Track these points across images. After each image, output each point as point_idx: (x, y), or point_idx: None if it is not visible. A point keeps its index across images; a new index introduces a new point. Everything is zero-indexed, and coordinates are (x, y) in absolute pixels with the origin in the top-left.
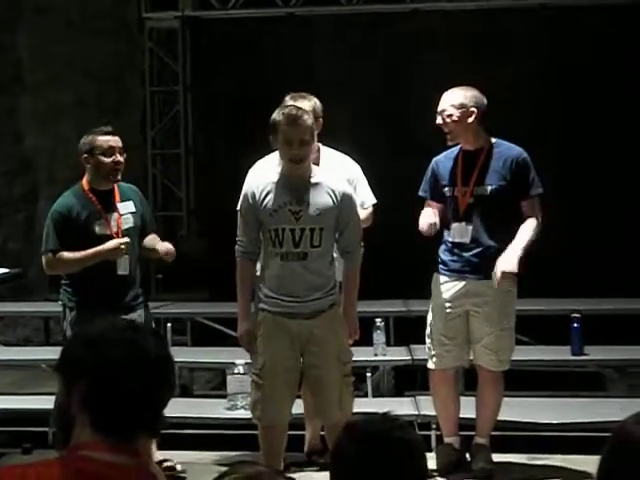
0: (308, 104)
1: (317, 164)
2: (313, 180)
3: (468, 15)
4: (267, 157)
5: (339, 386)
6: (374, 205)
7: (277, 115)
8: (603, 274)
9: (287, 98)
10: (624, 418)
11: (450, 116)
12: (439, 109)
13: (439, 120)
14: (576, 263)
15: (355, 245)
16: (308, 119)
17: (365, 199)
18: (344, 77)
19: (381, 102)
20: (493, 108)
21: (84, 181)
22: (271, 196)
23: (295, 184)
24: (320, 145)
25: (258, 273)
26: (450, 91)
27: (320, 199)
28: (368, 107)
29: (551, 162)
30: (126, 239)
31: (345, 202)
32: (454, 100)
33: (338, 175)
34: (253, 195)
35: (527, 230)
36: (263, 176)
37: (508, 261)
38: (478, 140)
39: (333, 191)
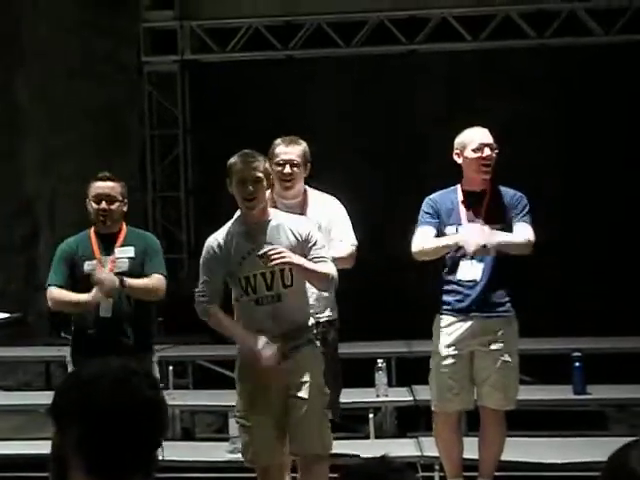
0: (299, 148)
1: (304, 205)
2: (272, 223)
3: (466, 55)
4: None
5: (320, 417)
6: (356, 247)
7: (232, 158)
8: (604, 313)
9: (278, 141)
10: (622, 450)
11: (495, 149)
12: (485, 141)
13: (487, 152)
14: (577, 302)
15: (325, 257)
16: (262, 161)
17: (344, 240)
18: (343, 118)
19: (381, 143)
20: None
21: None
22: (235, 246)
23: (255, 229)
24: (307, 187)
25: None
26: (482, 129)
27: (283, 238)
28: (367, 148)
29: (552, 202)
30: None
31: (307, 237)
32: (492, 138)
33: (320, 214)
34: (219, 246)
35: (517, 235)
36: (223, 229)
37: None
38: (488, 181)
39: (292, 230)
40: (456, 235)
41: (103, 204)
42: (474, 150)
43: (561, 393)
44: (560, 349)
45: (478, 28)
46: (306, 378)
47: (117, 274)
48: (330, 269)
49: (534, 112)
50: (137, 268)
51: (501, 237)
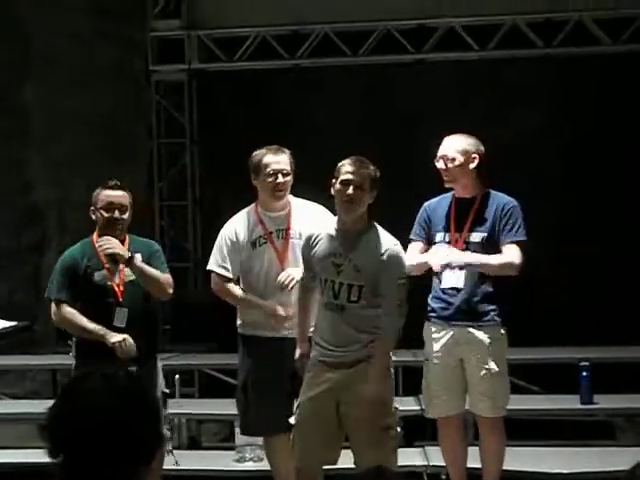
0: (286, 156)
1: (289, 217)
2: (363, 235)
3: (473, 65)
4: (239, 213)
5: (376, 436)
6: None
7: (344, 160)
8: (611, 322)
9: (262, 151)
10: (633, 468)
11: (452, 160)
12: (441, 153)
13: (441, 164)
14: (584, 311)
15: (389, 311)
16: (366, 166)
17: None
18: (351, 127)
19: (388, 152)
20: (496, 159)
21: (94, 233)
22: (321, 245)
23: (343, 237)
24: (291, 196)
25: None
26: (452, 137)
27: (364, 256)
28: (375, 157)
29: (559, 209)
30: (129, 342)
31: (389, 263)
32: (457, 145)
33: (307, 225)
34: (309, 239)
35: (493, 257)
36: (323, 224)
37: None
38: (474, 187)
39: (380, 249)
40: (425, 255)
41: (117, 213)
42: (436, 161)
43: (568, 403)
44: (567, 358)
45: (485, 37)
46: (359, 396)
47: (128, 282)
48: (389, 327)
49: (542, 121)
50: None
51: (471, 258)
